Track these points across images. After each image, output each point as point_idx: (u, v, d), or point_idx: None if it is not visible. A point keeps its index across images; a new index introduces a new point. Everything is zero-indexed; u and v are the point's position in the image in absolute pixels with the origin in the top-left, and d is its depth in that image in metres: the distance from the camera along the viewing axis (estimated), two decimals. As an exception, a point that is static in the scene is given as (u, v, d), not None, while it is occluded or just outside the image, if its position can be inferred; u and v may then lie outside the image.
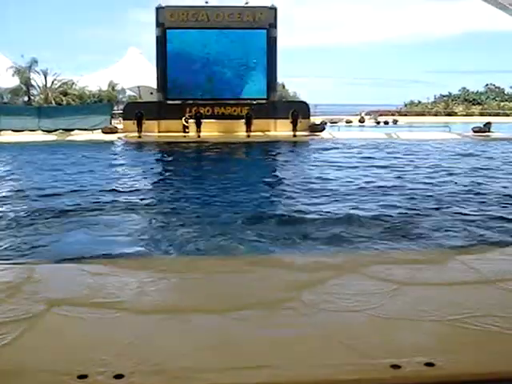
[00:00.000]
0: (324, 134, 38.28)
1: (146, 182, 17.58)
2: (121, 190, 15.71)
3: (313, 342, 4.99)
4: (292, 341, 5.02)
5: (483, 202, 13.27)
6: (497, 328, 5.25)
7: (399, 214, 11.80)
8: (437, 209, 12.43)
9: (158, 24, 39.23)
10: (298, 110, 38.50)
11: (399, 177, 18.36)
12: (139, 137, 36.06)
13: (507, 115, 70.66)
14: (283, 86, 67.52)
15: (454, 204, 13.02)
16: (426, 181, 17.20)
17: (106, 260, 8.22)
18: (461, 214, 11.89)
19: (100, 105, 49.21)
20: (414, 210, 12.32)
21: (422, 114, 72.79)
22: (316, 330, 5.29)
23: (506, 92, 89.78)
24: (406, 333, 5.26)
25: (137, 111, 37.62)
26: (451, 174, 18.84)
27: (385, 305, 5.92)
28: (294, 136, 36.81)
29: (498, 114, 70.36)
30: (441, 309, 5.77)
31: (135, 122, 36.86)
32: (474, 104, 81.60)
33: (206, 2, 39.84)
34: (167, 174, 20.92)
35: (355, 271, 7.40)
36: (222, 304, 6.02)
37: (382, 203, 13.12)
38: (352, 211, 12.04)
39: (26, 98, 57.71)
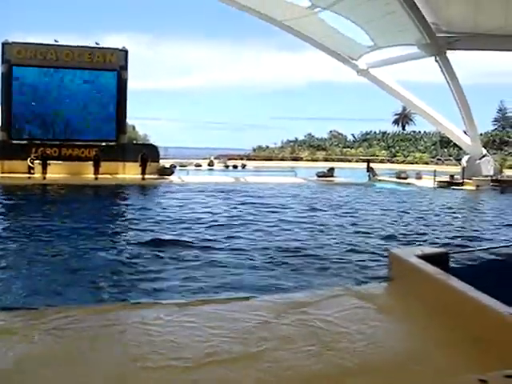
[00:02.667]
0: (173, 178, 38.48)
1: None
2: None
3: None
4: None
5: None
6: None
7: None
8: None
9: (4, 60, 37.87)
10: (147, 153, 38.41)
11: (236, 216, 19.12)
12: (-20, 177, 34.35)
13: (349, 161, 74.53)
14: (133, 128, 67.26)
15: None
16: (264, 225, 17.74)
17: None
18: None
19: None
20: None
21: (270, 159, 75.05)
22: None
23: (348, 139, 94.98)
24: None
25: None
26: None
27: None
28: (143, 179, 36.68)
29: (340, 160, 74.08)
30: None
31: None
32: (318, 149, 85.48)
33: (56, 41, 39.10)
34: (5, 217, 20.10)
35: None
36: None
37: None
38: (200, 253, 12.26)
39: None
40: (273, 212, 21.78)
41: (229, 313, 7.78)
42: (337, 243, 14.82)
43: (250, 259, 12.40)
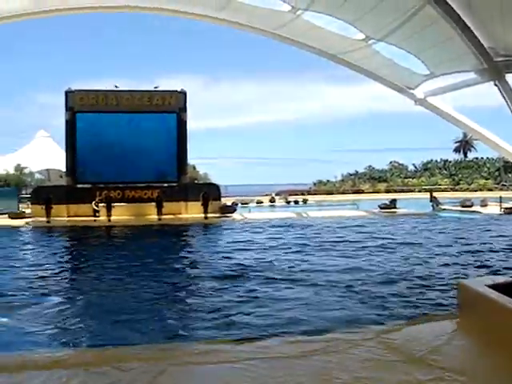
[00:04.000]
0: (235, 215, 38.65)
1: (53, 269, 17.04)
2: (27, 277, 15.27)
3: None
4: None
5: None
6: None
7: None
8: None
9: (68, 108, 39.23)
10: (208, 192, 38.77)
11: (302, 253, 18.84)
12: (48, 222, 35.32)
13: (411, 191, 73.42)
14: (194, 168, 67.91)
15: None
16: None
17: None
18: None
19: (6, 189, 48.01)
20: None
21: (331, 193, 74.56)
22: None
23: (408, 169, 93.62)
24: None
25: (45, 195, 36.98)
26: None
27: None
28: (206, 218, 36.93)
29: (402, 190, 73.06)
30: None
31: (44, 206, 36.12)
32: (379, 181, 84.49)
33: (116, 87, 40.16)
34: (75, 259, 20.49)
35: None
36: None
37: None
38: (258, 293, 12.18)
39: None
40: (339, 244, 21.57)
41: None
42: (403, 275, 14.53)
43: (315, 293, 12.25)
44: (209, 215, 37.44)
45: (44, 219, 35.61)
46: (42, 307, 11.49)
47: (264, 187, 77.71)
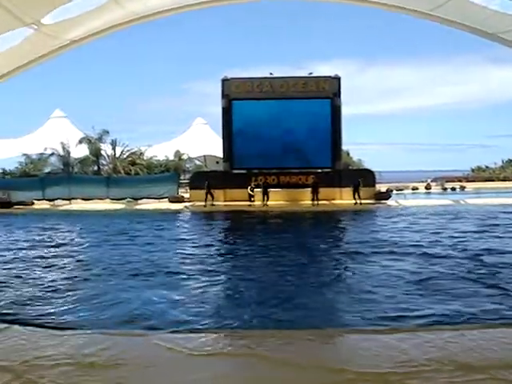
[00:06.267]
0: (390, 202, 37.91)
1: (212, 252, 17.36)
2: (186, 258, 15.75)
3: None
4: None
5: None
6: None
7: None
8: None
9: (224, 95, 40.27)
10: (362, 178, 38.24)
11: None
12: (205, 206, 36.48)
13: None
14: (348, 154, 67.41)
15: None
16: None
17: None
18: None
19: (167, 174, 50.12)
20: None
21: (491, 180, 71.37)
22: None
23: None
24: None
25: (203, 180, 38.18)
26: None
27: None
28: (360, 204, 36.46)
29: None
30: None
31: (205, 191, 37.25)
32: (544, 168, 79.86)
33: (271, 74, 40.59)
34: (233, 242, 20.81)
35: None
36: None
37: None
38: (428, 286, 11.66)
39: (95, 168, 59.39)
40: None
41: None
42: None
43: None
44: (363, 201, 36.95)
45: (202, 203, 36.77)
46: (201, 286, 11.68)
47: (420, 173, 75.66)
